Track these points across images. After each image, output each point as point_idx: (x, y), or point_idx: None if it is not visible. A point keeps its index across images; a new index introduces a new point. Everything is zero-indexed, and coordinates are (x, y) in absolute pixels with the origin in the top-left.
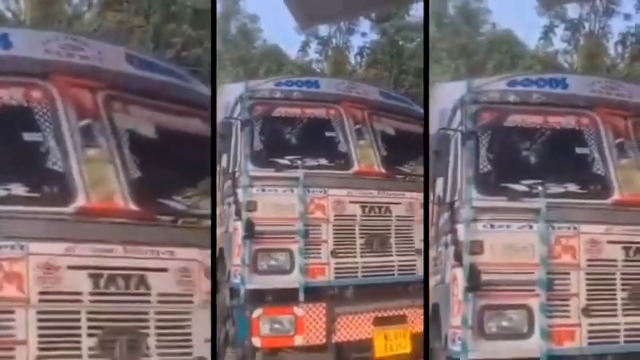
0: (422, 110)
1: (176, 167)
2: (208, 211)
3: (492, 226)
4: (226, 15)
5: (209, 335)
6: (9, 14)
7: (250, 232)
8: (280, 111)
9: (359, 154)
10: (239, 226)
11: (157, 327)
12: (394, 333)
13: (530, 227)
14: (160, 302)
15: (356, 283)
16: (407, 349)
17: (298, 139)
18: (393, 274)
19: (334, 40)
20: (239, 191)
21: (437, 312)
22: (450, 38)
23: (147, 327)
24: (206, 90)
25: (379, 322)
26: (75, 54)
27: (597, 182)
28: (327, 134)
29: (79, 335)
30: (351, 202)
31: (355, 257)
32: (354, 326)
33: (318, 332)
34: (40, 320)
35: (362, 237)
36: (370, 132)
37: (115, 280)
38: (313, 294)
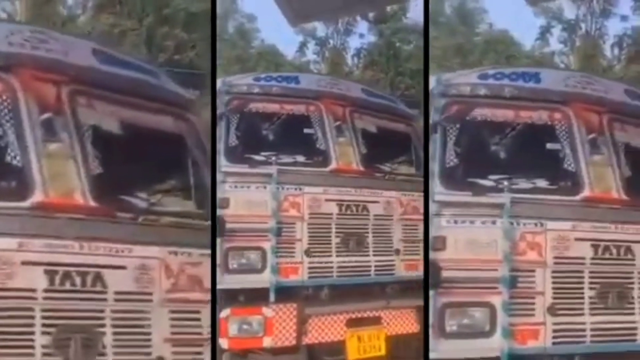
0: (407, 110)
1: (142, 164)
2: (171, 209)
3: (455, 222)
4: (224, 14)
5: (168, 334)
6: (4, 15)
7: (221, 229)
8: (258, 106)
9: (337, 151)
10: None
11: (114, 326)
12: (368, 335)
13: (494, 222)
14: (117, 300)
15: (331, 283)
16: (381, 351)
17: (275, 135)
18: (370, 275)
19: (331, 41)
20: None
21: None
22: (447, 37)
23: (104, 326)
24: (176, 88)
25: (352, 323)
26: (40, 47)
27: (567, 178)
28: (306, 130)
29: (33, 333)
30: (327, 200)
31: (330, 256)
32: (326, 328)
33: (288, 333)
34: None
35: (338, 236)
36: (351, 129)
37: (71, 277)
38: (286, 294)
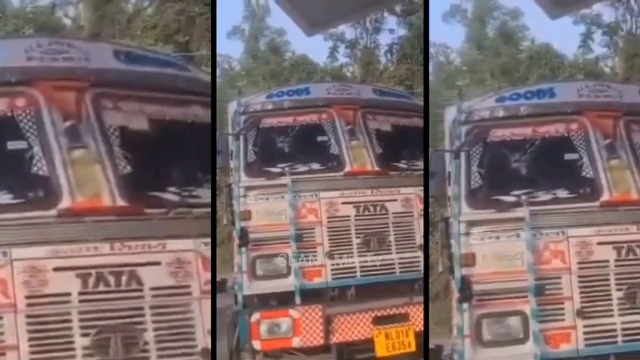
0: (420, 103)
1: (174, 157)
2: (205, 200)
3: (482, 238)
4: (254, 33)
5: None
6: (68, 21)
7: (244, 240)
8: (272, 121)
9: (351, 154)
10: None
11: (154, 322)
12: (396, 332)
13: (518, 235)
14: (154, 296)
15: (355, 283)
16: (411, 347)
17: (290, 147)
18: (395, 272)
19: (361, 42)
20: (234, 202)
21: None
22: (492, 58)
23: (143, 323)
24: (203, 76)
25: (379, 321)
26: (58, 57)
27: (587, 186)
28: (319, 138)
29: (72, 336)
30: (344, 203)
31: (352, 257)
32: (353, 326)
33: (315, 333)
34: (29, 324)
35: (358, 237)
36: (363, 131)
37: (105, 278)
38: (311, 296)
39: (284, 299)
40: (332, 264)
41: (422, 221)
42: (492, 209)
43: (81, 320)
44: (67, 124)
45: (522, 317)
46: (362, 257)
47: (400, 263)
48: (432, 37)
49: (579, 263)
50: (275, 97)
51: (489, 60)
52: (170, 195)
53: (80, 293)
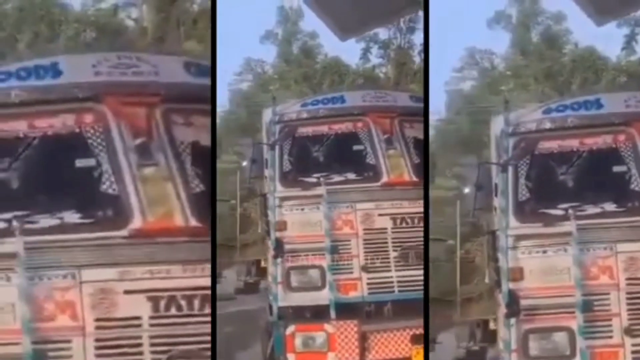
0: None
1: None
2: None
3: (529, 252)
4: (287, 37)
5: None
6: (130, 23)
7: (279, 250)
8: (307, 130)
9: (388, 164)
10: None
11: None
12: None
13: (565, 250)
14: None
15: (392, 298)
16: None
17: (326, 156)
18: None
19: (395, 42)
20: (269, 212)
21: None
22: (536, 63)
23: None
24: None
25: (417, 339)
26: (127, 72)
27: (635, 199)
28: (355, 147)
29: None
30: (380, 214)
31: (389, 271)
32: (390, 344)
33: (351, 349)
34: (97, 347)
35: (395, 250)
36: (401, 140)
37: (177, 302)
38: (346, 310)
39: (319, 312)
40: (369, 278)
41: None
42: (539, 222)
43: (152, 344)
44: (137, 140)
45: (569, 333)
46: (400, 271)
47: None
48: (476, 43)
49: (628, 279)
50: (310, 105)
51: (533, 65)
52: None
53: (151, 317)
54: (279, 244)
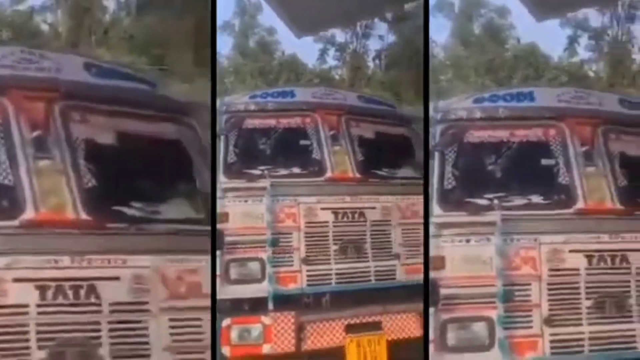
0: (407, 113)
1: (138, 173)
2: (167, 216)
3: (452, 241)
4: (244, 30)
5: (169, 342)
6: (45, 27)
7: (220, 242)
8: (255, 123)
9: (332, 160)
10: None
11: (111, 337)
12: (367, 340)
13: (489, 240)
14: (112, 311)
15: (330, 290)
16: (382, 356)
17: (272, 149)
18: (370, 280)
19: (351, 46)
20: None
21: None
22: (478, 55)
23: (99, 337)
24: (174, 94)
25: (352, 329)
26: (31, 67)
27: (562, 192)
28: (302, 142)
29: (29, 348)
30: (323, 208)
31: (329, 264)
32: (325, 334)
33: (287, 340)
34: None
35: (335, 244)
36: (346, 137)
37: (64, 291)
38: (286, 302)
39: (258, 305)
40: (309, 270)
41: (399, 230)
42: (464, 211)
43: (38, 332)
44: (35, 134)
45: (489, 323)
46: (339, 264)
47: (376, 271)
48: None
49: (550, 270)
50: (259, 98)
51: (473, 57)
52: (133, 210)
53: (39, 305)
54: (219, 236)
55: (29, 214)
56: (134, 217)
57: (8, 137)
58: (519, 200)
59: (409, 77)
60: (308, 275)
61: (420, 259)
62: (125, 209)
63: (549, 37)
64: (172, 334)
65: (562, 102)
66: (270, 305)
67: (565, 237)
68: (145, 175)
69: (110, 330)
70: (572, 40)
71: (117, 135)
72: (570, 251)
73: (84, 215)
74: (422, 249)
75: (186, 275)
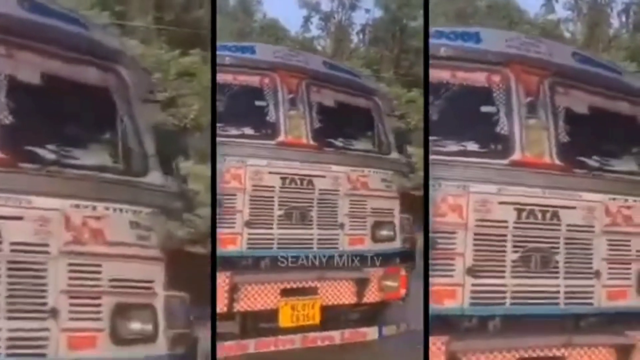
0: (370, 85)
1: (59, 116)
2: (82, 162)
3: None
4: None
5: (65, 287)
6: None
7: None
8: None
9: (287, 124)
10: None
11: (9, 276)
12: (302, 304)
13: None
14: (12, 251)
15: (270, 255)
16: (315, 320)
17: (225, 107)
18: (312, 247)
19: (336, 16)
20: None
21: None
22: (448, 2)
23: None
24: (105, 39)
25: (287, 293)
26: None
27: (499, 142)
28: (257, 102)
29: None
30: (270, 172)
31: (271, 228)
32: (259, 296)
33: (219, 300)
34: None
35: (280, 209)
36: (305, 102)
37: None
38: (222, 263)
39: None
40: (249, 234)
41: (347, 200)
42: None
43: None
44: None
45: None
46: (282, 229)
47: (319, 239)
48: None
49: (477, 220)
50: (217, 51)
51: (445, 3)
52: (47, 152)
53: None
54: None
55: None
56: (47, 159)
57: None
58: (452, 146)
59: (391, 56)
60: (249, 239)
61: (364, 231)
62: (39, 150)
63: None
64: (70, 279)
65: (510, 47)
66: None
67: (497, 187)
68: (64, 118)
69: (9, 269)
70: None
71: (42, 75)
72: (500, 203)
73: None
74: (366, 220)
75: (91, 221)
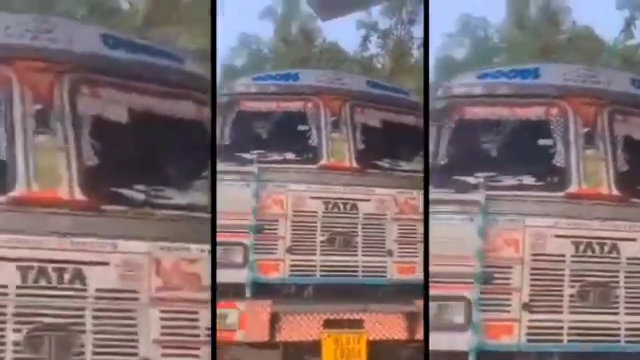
0: (417, 101)
1: (149, 154)
2: (173, 201)
3: (437, 219)
4: (286, 16)
5: (157, 335)
6: (126, 5)
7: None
8: (254, 105)
9: (330, 147)
10: None
11: (95, 325)
12: (347, 338)
13: (472, 220)
14: (98, 297)
15: (313, 282)
16: (361, 356)
17: (268, 133)
18: (357, 275)
19: (394, 32)
20: None
21: None
22: (532, 39)
23: (83, 324)
24: (200, 71)
25: (330, 324)
26: (41, 37)
27: (555, 174)
28: (300, 127)
29: (4, 330)
30: (312, 197)
31: (314, 255)
32: (301, 326)
33: (260, 328)
34: None
35: (323, 235)
36: (348, 124)
37: (47, 274)
38: (264, 290)
39: (236, 290)
40: (292, 260)
41: (395, 225)
42: (452, 189)
43: (16, 314)
44: (37, 106)
45: (466, 304)
46: (325, 256)
47: (364, 267)
48: (471, 10)
49: (533, 255)
50: (262, 80)
51: (528, 39)
52: (135, 193)
53: (19, 287)
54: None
55: (18, 191)
56: (135, 200)
57: (8, 110)
58: (508, 180)
59: None
60: (291, 265)
61: (414, 258)
62: (126, 191)
63: (605, 19)
64: (163, 327)
65: (568, 80)
66: (248, 292)
67: (553, 221)
68: (155, 156)
69: (95, 318)
70: (629, 23)
71: (130, 113)
72: (557, 236)
73: (78, 195)
74: (417, 247)
75: (184, 264)
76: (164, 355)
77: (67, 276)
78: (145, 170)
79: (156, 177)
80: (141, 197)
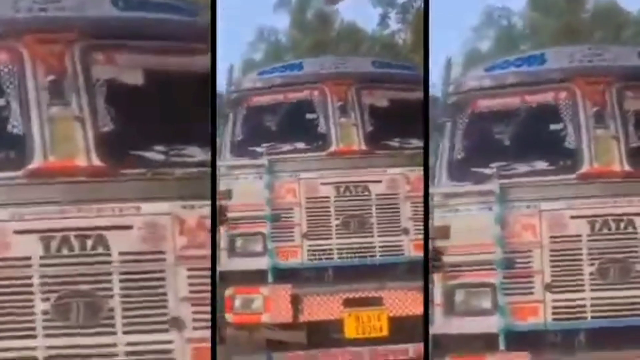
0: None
1: (166, 112)
2: (194, 159)
3: (456, 210)
4: (301, 3)
5: (186, 293)
6: None
7: (221, 218)
8: (262, 100)
9: (339, 133)
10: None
11: (122, 289)
12: (367, 315)
13: (490, 209)
14: (123, 261)
15: (330, 265)
16: (383, 332)
17: (278, 125)
18: (374, 255)
19: (414, 5)
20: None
21: None
22: (555, 19)
23: (110, 289)
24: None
25: (350, 303)
26: (49, 7)
27: (567, 157)
28: (308, 116)
29: (32, 300)
30: (323, 183)
31: (330, 239)
32: (322, 307)
33: (284, 311)
34: None
35: (337, 219)
36: (356, 108)
37: (69, 242)
38: (284, 275)
39: (259, 277)
40: (309, 245)
41: (408, 203)
42: (470, 181)
43: (42, 284)
44: (50, 78)
45: (491, 289)
46: (341, 239)
47: (381, 247)
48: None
49: (552, 237)
50: (267, 74)
51: (552, 22)
52: (154, 154)
53: (42, 257)
54: (221, 212)
55: (36, 163)
56: (155, 161)
57: (22, 83)
58: (522, 168)
59: None
60: (308, 250)
61: None
62: (145, 153)
63: None
64: (191, 284)
65: (573, 62)
66: (270, 278)
67: (567, 203)
68: (172, 114)
69: (121, 281)
70: None
71: (145, 73)
72: (572, 217)
73: (97, 162)
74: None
75: (208, 222)
76: (194, 312)
77: (89, 242)
78: (164, 130)
79: (176, 136)
80: (161, 157)
